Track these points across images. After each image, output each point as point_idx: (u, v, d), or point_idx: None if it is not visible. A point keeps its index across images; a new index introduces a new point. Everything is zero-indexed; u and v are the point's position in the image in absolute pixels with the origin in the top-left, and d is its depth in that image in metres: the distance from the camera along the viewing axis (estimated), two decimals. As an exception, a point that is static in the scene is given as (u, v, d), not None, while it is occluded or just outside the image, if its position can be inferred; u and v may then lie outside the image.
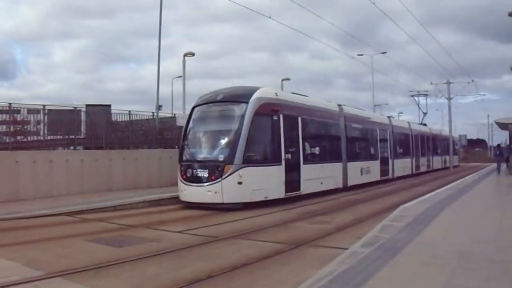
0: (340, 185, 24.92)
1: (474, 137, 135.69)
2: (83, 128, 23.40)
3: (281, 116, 19.14)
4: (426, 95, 55.53)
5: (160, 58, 26.62)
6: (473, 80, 55.11)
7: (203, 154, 18.55)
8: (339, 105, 27.11)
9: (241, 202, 17.40)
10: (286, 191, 19.19)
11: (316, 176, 21.73)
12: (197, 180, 17.69)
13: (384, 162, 32.68)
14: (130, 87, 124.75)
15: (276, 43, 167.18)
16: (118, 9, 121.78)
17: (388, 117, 38.42)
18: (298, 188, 20.07)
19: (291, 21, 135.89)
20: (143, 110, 29.27)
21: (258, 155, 18.45)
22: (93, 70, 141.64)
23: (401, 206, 14.61)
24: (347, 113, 27.18)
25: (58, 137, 22.57)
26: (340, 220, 15.00)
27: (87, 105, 24.29)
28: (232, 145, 17.64)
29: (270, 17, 24.72)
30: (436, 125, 57.61)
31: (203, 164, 17.92)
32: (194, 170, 17.86)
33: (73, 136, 22.34)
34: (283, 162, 19.02)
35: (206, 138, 19.11)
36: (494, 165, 40.15)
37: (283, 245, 10.78)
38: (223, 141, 18.31)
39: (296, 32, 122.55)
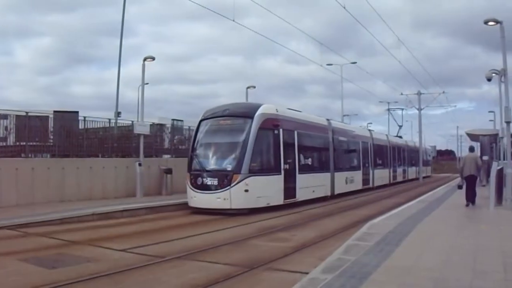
0: (328, 193, 26.94)
1: (443, 148, 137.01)
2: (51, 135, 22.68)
3: (281, 130, 21.30)
4: (402, 109, 58.91)
5: (120, 62, 25.53)
6: (444, 92, 56.39)
7: (212, 164, 20.30)
8: (328, 119, 29.71)
9: (247, 208, 19.19)
10: (285, 198, 21.20)
11: (309, 185, 23.80)
12: (207, 187, 19.49)
13: (366, 172, 35.29)
14: (97, 92, 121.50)
15: (250, 44, 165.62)
16: (82, 3, 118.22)
17: (369, 130, 41.68)
18: (294, 195, 22.08)
19: (269, 20, 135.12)
20: (111, 117, 28.13)
21: (261, 166, 20.38)
22: (57, 72, 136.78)
23: (369, 222, 13.68)
24: (334, 127, 29.72)
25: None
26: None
27: (55, 111, 23.81)
28: (239, 156, 19.53)
29: (233, 20, 23.61)
30: (406, 135, 58.23)
31: (213, 173, 19.76)
32: (204, 179, 19.64)
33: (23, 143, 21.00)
34: (282, 172, 21.12)
35: (215, 150, 20.76)
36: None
37: (235, 267, 9.62)
38: (231, 153, 20.03)
39: (271, 33, 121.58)
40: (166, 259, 10.51)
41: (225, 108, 21.49)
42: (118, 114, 29.12)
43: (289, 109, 24.54)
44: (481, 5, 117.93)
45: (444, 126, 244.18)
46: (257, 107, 21.02)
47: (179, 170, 26.07)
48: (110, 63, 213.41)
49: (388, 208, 19.38)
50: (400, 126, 57.40)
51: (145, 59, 24.62)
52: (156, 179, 25.25)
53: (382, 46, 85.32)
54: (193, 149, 21.04)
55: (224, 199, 18.98)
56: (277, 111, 21.81)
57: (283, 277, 8.90)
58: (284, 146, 21.32)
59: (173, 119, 29.69)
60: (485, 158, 30.31)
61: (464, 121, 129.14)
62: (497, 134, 31.56)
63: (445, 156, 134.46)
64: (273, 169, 20.80)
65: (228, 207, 18.95)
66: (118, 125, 27.49)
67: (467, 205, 18.76)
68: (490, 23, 19.45)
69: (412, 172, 53.54)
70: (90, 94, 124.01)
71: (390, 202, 24.32)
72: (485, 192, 20.28)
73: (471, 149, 21.55)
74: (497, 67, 20.49)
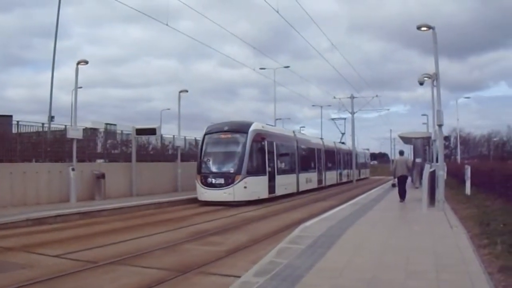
0: (295, 190, 33.47)
1: (377, 151, 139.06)
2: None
3: (266, 142, 27.69)
4: (344, 118, 62.87)
5: (54, 65, 25.05)
6: (377, 95, 57.74)
7: (218, 167, 26.28)
8: (293, 131, 38.44)
9: (245, 200, 25.04)
10: (269, 193, 27.54)
11: (283, 183, 30.27)
12: (214, 185, 25.33)
13: (320, 173, 42.17)
14: (31, 95, 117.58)
15: (184, 47, 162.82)
16: (18, 3, 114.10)
17: (321, 138, 49.28)
18: (274, 191, 28.43)
19: (204, 23, 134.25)
20: (45, 121, 27.69)
21: (254, 169, 26.28)
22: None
23: (301, 225, 13.76)
24: (298, 137, 37.11)
25: None
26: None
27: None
28: (239, 162, 25.68)
29: (167, 24, 24.04)
30: (339, 138, 59.92)
31: (219, 174, 25.73)
32: (213, 179, 25.50)
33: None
34: (267, 173, 27.47)
35: (220, 157, 26.63)
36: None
37: (168, 272, 9.53)
38: (232, 159, 26.14)
39: (205, 36, 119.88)
40: (100, 264, 10.33)
41: (224, 125, 27.76)
42: (51, 118, 28.54)
43: (268, 124, 32.39)
44: (417, 9, 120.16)
45: (378, 129, 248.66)
46: (250, 124, 27.31)
47: (112, 175, 25.78)
48: (45, 65, 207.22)
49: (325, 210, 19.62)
50: (343, 134, 61.88)
51: (78, 63, 24.11)
52: (89, 184, 24.83)
53: (316, 50, 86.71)
54: (201, 156, 26.84)
55: (229, 193, 24.88)
56: (263, 127, 28.71)
57: (215, 281, 8.91)
58: (268, 154, 27.70)
59: (106, 123, 29.34)
60: (418, 160, 30.91)
61: (398, 124, 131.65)
62: (429, 137, 32.20)
63: (379, 159, 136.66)
64: (261, 171, 26.92)
65: (232, 199, 24.76)
66: (51, 129, 26.88)
67: (401, 201, 21.75)
68: (423, 28, 19.68)
69: (355, 173, 59.09)
70: (24, 97, 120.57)
71: (326, 204, 25.44)
72: (418, 194, 20.75)
73: (401, 153, 24.79)
74: (432, 71, 20.84)
